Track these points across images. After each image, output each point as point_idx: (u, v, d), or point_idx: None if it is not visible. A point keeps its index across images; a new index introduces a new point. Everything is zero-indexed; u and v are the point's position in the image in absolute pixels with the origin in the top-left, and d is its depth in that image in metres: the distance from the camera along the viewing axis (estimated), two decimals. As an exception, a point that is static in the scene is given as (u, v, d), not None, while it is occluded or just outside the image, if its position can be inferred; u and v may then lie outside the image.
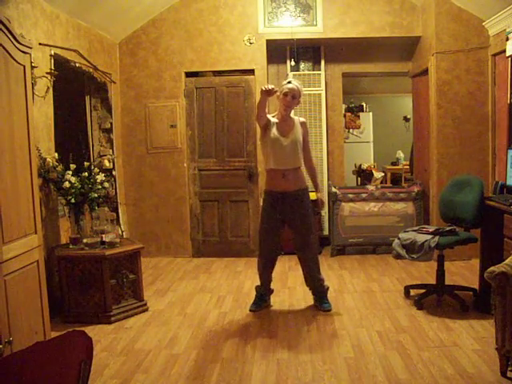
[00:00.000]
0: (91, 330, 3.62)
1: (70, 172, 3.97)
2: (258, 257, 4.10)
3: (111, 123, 5.48)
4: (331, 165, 6.32)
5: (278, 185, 3.90)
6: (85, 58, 4.73)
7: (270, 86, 3.63)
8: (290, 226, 3.99)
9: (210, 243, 5.94)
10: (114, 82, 5.53)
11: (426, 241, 3.84)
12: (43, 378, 1.60)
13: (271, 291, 4.18)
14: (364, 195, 5.75)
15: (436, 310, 3.92)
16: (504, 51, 4.65)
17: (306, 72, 6.05)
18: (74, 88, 5.19)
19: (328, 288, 4.12)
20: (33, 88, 3.39)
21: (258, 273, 4.13)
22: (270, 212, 3.95)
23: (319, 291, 4.08)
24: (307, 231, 3.96)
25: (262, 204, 4.09)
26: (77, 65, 4.63)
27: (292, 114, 3.98)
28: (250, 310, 4.02)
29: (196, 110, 5.84)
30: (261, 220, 4.07)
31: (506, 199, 3.59)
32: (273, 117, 3.96)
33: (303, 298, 4.31)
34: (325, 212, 6.08)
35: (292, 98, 3.84)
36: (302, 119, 4.07)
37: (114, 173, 5.48)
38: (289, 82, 3.89)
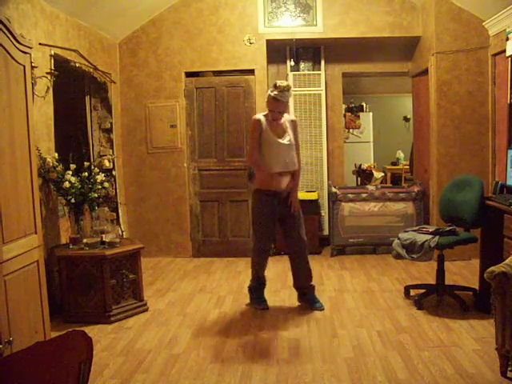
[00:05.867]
0: (91, 330, 3.62)
1: (70, 172, 3.98)
2: (256, 256, 4.09)
3: (111, 123, 5.48)
4: (331, 165, 6.31)
5: (274, 185, 3.91)
6: (85, 58, 4.73)
7: None
8: (285, 222, 4.01)
9: (209, 243, 5.94)
10: (114, 82, 5.53)
11: (426, 241, 3.84)
12: (43, 378, 1.60)
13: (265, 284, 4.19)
14: (364, 195, 5.74)
15: (436, 309, 3.92)
16: (504, 51, 4.65)
17: (306, 72, 6.05)
18: (74, 88, 5.19)
19: (314, 286, 4.12)
20: (33, 88, 3.39)
21: (254, 271, 4.12)
22: (268, 211, 3.94)
23: (308, 286, 4.08)
24: (301, 226, 4.03)
25: (254, 202, 4.02)
26: (77, 65, 4.63)
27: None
28: (264, 309, 4.01)
29: (196, 110, 5.84)
30: (257, 219, 4.03)
31: (506, 199, 3.59)
32: (264, 115, 3.91)
33: (303, 297, 4.31)
34: (325, 212, 6.08)
35: (279, 113, 3.83)
36: (293, 117, 4.11)
37: (113, 173, 5.48)
38: (275, 99, 3.74)
